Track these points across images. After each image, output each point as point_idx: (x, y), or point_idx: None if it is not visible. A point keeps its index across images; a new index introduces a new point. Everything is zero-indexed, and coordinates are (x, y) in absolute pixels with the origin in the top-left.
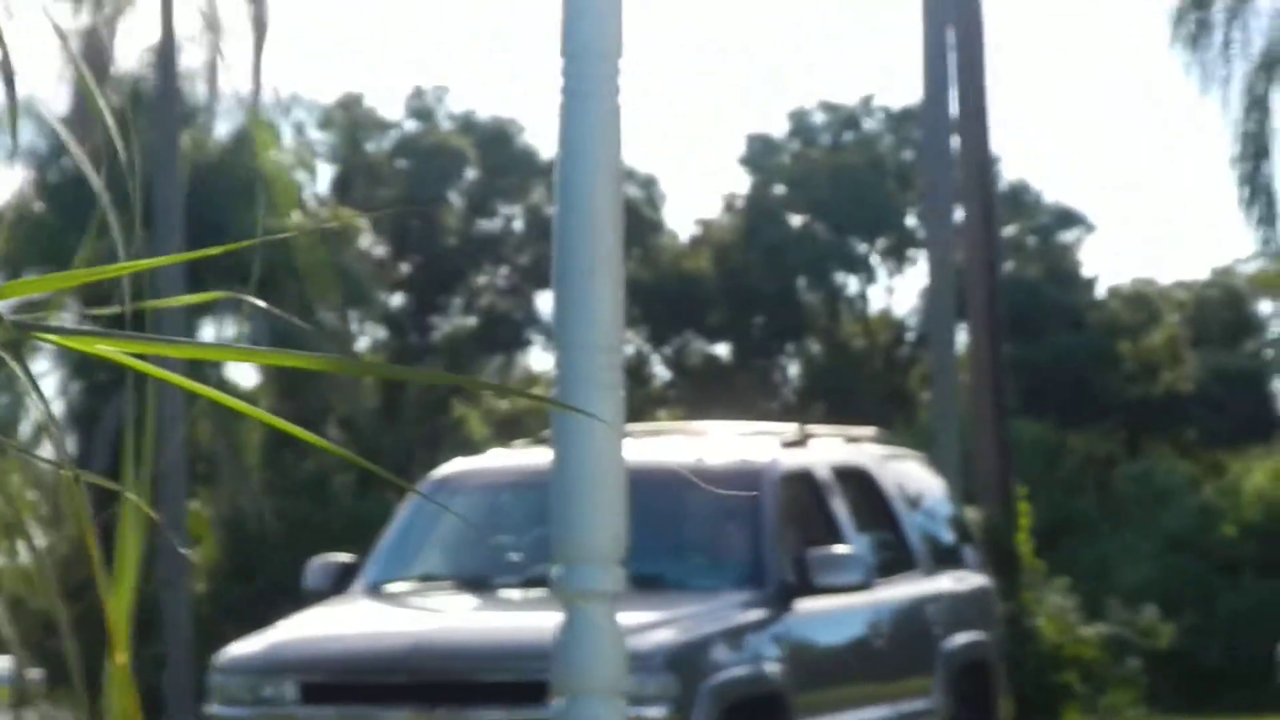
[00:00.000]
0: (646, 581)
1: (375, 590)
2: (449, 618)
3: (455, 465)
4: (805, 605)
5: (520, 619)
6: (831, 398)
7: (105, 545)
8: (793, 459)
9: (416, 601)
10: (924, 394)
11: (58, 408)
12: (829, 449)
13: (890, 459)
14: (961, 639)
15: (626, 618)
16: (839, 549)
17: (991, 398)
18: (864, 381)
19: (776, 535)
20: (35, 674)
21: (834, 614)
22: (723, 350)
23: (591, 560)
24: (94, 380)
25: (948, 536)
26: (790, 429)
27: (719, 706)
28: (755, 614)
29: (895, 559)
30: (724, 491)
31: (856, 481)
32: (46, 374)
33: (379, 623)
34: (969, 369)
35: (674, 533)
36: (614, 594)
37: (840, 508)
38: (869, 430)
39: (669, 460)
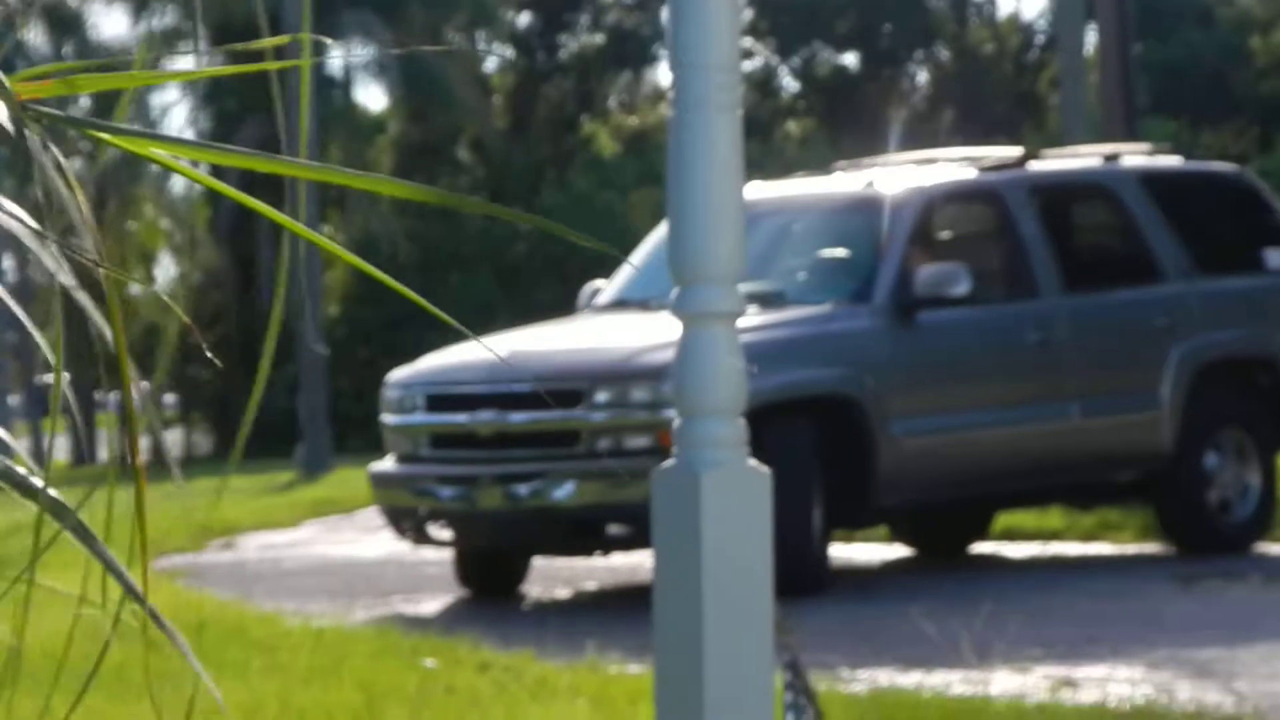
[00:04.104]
0: (769, 298)
1: (594, 310)
2: (547, 339)
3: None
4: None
5: (597, 339)
6: (961, 104)
7: (240, 274)
8: (925, 184)
9: (588, 323)
10: (1054, 97)
11: (189, 135)
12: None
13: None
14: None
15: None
16: (941, 264)
17: (1122, 97)
18: (993, 86)
19: (894, 255)
20: (170, 400)
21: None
22: (850, 60)
23: (708, 280)
24: (224, 109)
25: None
26: (1011, 151)
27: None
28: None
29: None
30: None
31: (1071, 198)
32: (175, 103)
33: (518, 343)
34: (1098, 69)
35: (803, 253)
36: (732, 314)
37: (1025, 227)
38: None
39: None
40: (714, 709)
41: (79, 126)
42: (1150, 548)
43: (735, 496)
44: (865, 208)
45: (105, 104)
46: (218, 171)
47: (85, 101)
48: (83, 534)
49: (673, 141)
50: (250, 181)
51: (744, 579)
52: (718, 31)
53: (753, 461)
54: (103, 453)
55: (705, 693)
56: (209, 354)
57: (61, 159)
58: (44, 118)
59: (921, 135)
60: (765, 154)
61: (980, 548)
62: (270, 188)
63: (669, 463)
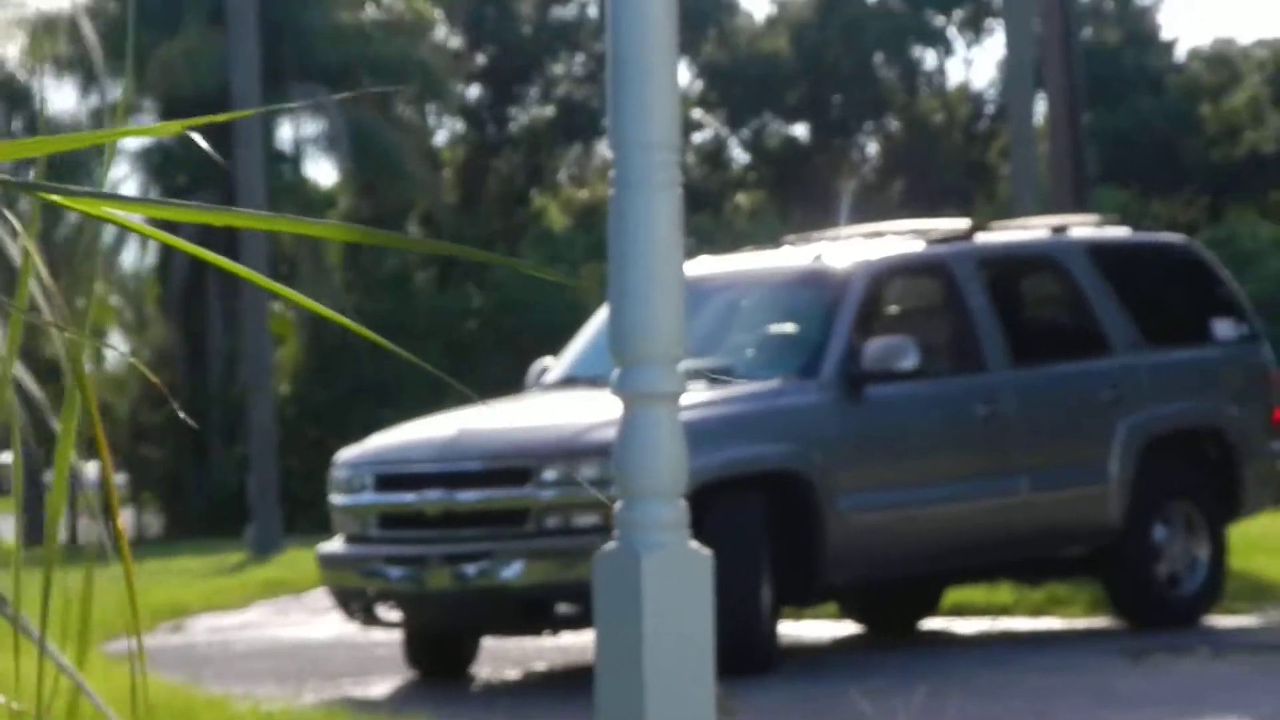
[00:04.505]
0: (717, 374)
1: (543, 388)
2: (495, 417)
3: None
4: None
5: (545, 416)
6: (912, 174)
7: (189, 352)
8: (873, 258)
9: (536, 401)
10: (1005, 167)
11: (137, 215)
12: (979, 240)
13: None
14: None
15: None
16: (889, 338)
17: (1072, 166)
18: (943, 156)
19: (842, 329)
20: (120, 479)
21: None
22: (801, 131)
23: (649, 360)
24: (174, 184)
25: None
26: (958, 223)
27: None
28: (793, 400)
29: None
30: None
31: (1018, 270)
32: (125, 178)
33: (465, 421)
34: (1048, 138)
35: (751, 328)
36: (673, 394)
37: (973, 299)
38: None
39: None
40: None
41: (31, 190)
42: (1100, 622)
43: (676, 578)
44: (813, 282)
45: (54, 177)
46: (168, 251)
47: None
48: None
49: (613, 220)
50: (201, 262)
51: (685, 660)
52: (657, 109)
53: (694, 543)
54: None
55: None
56: (147, 433)
57: (18, 225)
58: None
59: (872, 205)
60: (715, 226)
61: (930, 624)
62: (220, 272)
63: (610, 545)
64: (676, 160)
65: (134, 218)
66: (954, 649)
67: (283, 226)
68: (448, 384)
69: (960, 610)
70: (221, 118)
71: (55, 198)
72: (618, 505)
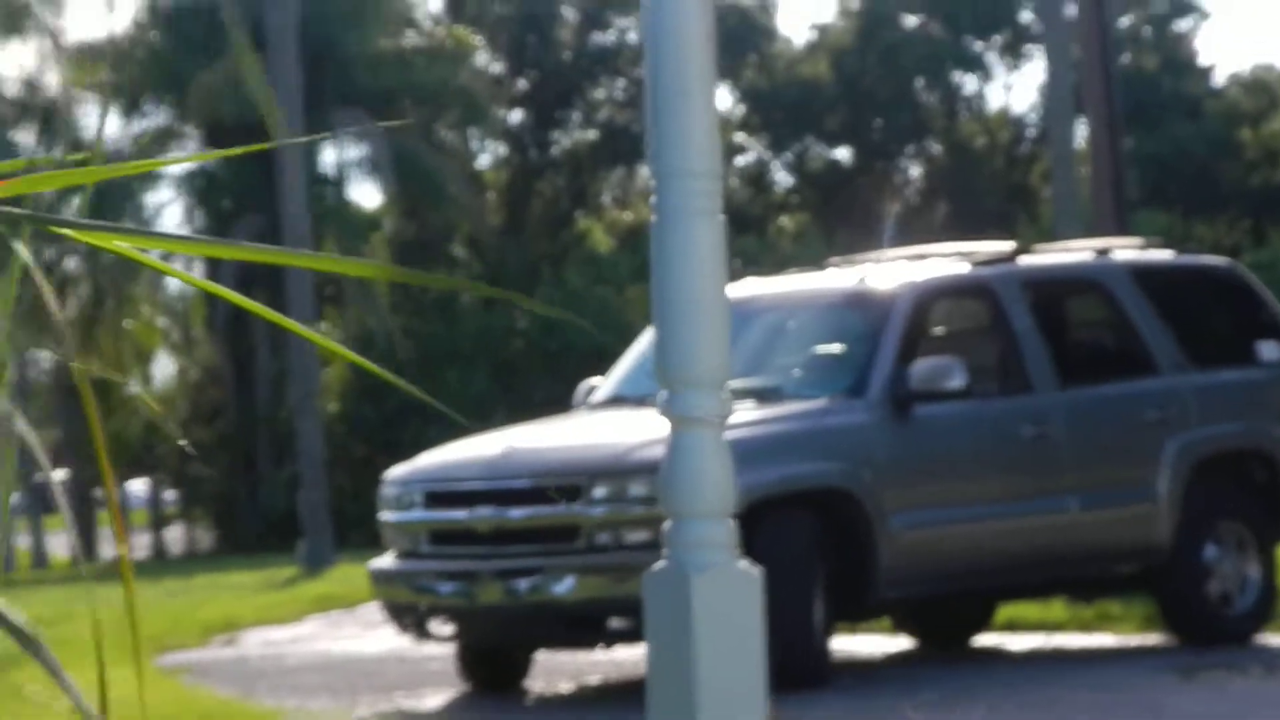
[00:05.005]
0: (765, 394)
1: (590, 407)
2: (543, 435)
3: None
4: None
5: (594, 434)
6: (954, 197)
7: (237, 371)
8: (918, 279)
9: (584, 420)
10: (1046, 190)
11: (156, 250)
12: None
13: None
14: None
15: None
16: (937, 358)
17: (1113, 190)
18: (985, 180)
19: (889, 349)
20: (171, 495)
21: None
22: (843, 154)
23: (695, 385)
24: (219, 207)
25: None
26: (1003, 246)
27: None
28: (842, 419)
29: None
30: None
31: (1065, 292)
32: (170, 203)
33: (514, 439)
34: (1089, 162)
35: (797, 349)
36: (718, 418)
37: (1018, 321)
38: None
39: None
40: None
41: (40, 224)
42: (1152, 639)
43: (726, 597)
44: (859, 303)
45: (98, 202)
46: (214, 270)
47: (77, 201)
48: (33, 649)
49: (655, 247)
50: (247, 280)
51: (737, 677)
52: (697, 138)
53: (743, 562)
54: (105, 549)
55: None
56: (196, 452)
57: (28, 256)
58: (4, 217)
59: (915, 228)
60: (759, 249)
61: (983, 639)
62: (267, 287)
63: (660, 564)
64: (718, 188)
65: (154, 254)
66: (1007, 665)
67: (322, 265)
68: (494, 401)
69: (1013, 626)
70: (262, 146)
71: (63, 230)
72: (666, 525)
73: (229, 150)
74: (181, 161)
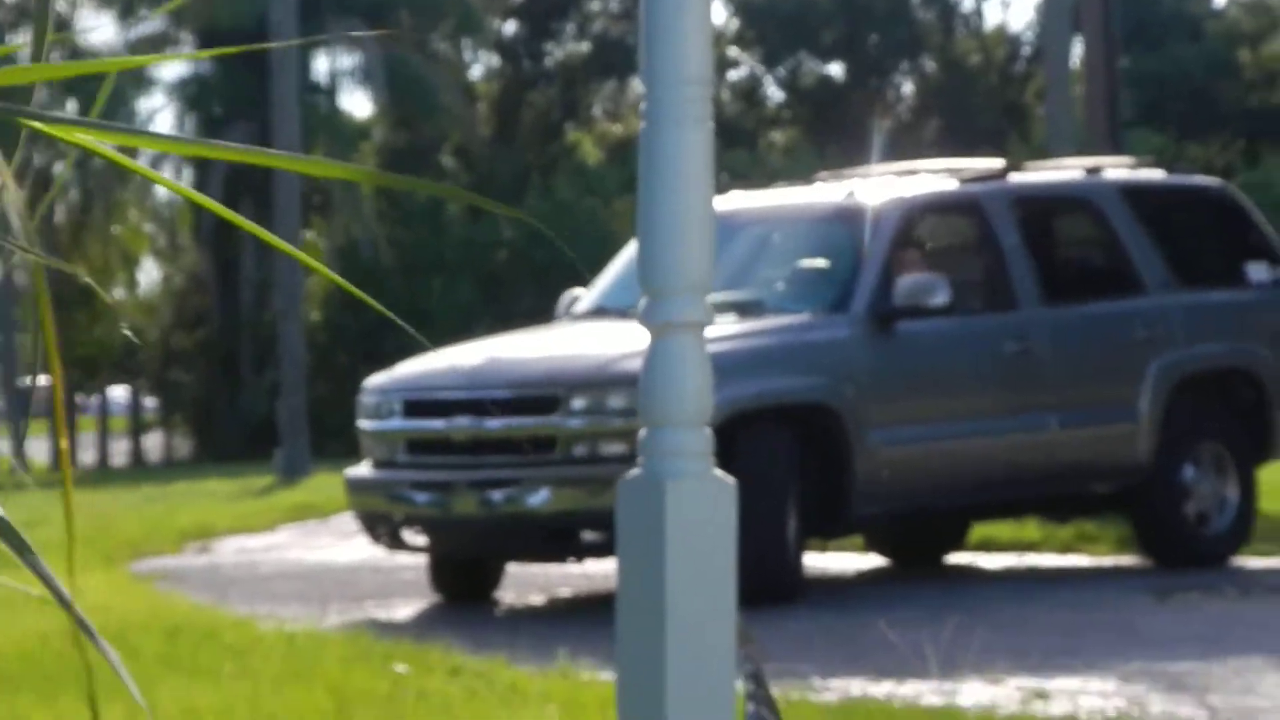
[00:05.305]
0: (747, 307)
1: (572, 318)
2: (524, 346)
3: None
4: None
5: (574, 346)
6: (947, 115)
7: (222, 278)
8: (906, 195)
9: (565, 331)
10: (1040, 108)
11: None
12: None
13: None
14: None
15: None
16: (921, 274)
17: (1107, 109)
18: (979, 97)
19: (874, 265)
20: (152, 402)
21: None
22: (836, 70)
23: (676, 291)
24: (210, 114)
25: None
26: (993, 163)
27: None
28: (824, 334)
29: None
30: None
31: (1052, 210)
32: (162, 108)
33: (494, 349)
34: (1084, 81)
35: (782, 263)
36: (699, 324)
37: (1006, 238)
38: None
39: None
40: (674, 711)
41: (13, 116)
42: (1127, 560)
43: (700, 506)
44: (846, 218)
45: (89, 106)
46: (203, 178)
47: (72, 105)
48: (15, 543)
49: (643, 154)
50: (235, 188)
51: (708, 589)
52: (690, 45)
53: (718, 471)
54: (84, 455)
55: (667, 704)
56: (178, 359)
57: None
58: None
59: (907, 145)
60: (750, 163)
61: (956, 558)
62: (255, 194)
63: (634, 472)
64: (709, 95)
65: (144, 161)
66: (980, 584)
67: (310, 168)
68: (478, 312)
69: (987, 546)
70: (252, 48)
71: (38, 125)
72: (642, 433)
73: (223, 49)
74: (172, 60)
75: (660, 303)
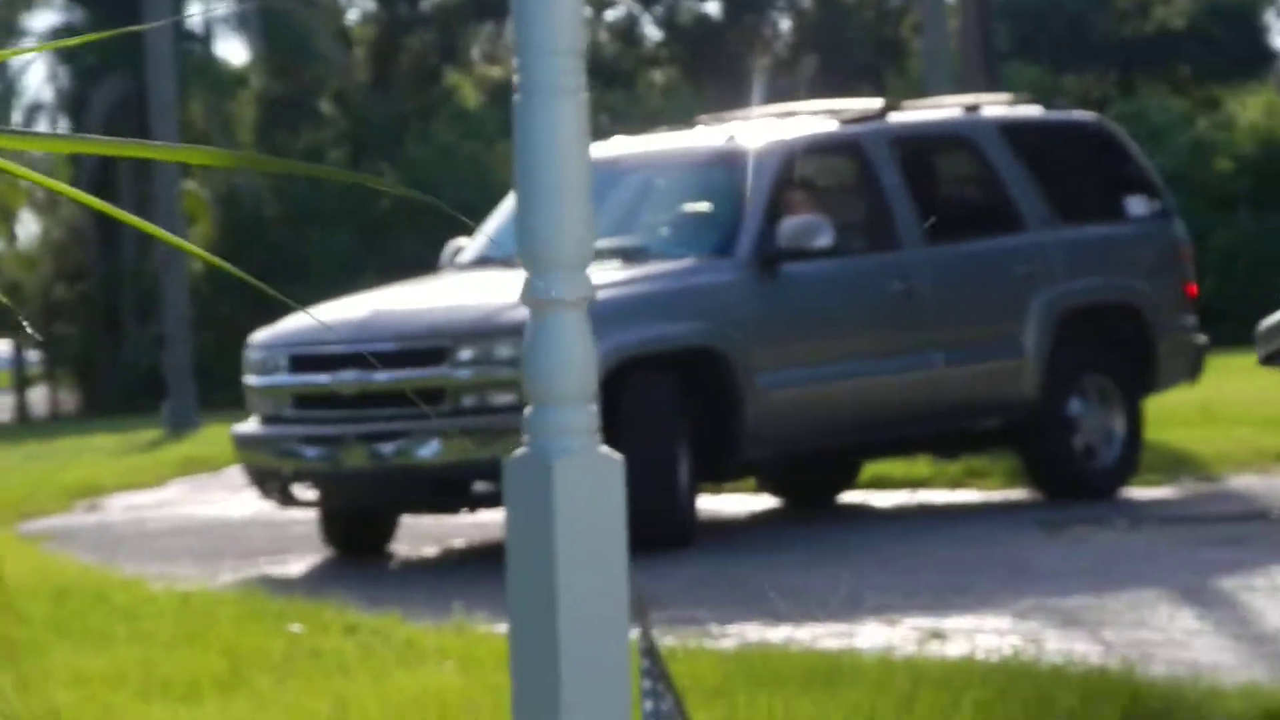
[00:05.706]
0: (631, 253)
1: (457, 268)
2: (409, 297)
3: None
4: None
5: (460, 296)
6: (823, 52)
7: (102, 230)
8: (786, 138)
9: (451, 281)
10: (916, 43)
11: (47, 92)
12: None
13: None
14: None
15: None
16: (804, 216)
17: (982, 43)
18: (855, 32)
19: (756, 208)
20: (35, 356)
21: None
22: (713, 8)
23: (557, 266)
24: (83, 64)
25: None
26: (872, 103)
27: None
28: (709, 278)
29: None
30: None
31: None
32: (33, 60)
33: (379, 301)
34: (959, 15)
35: (665, 208)
36: (581, 300)
37: (887, 178)
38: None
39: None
40: (569, 695)
41: None
42: (1017, 494)
43: (588, 484)
44: (727, 161)
45: None
46: (78, 128)
47: None
48: None
49: (519, 127)
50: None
51: (599, 568)
52: (561, 15)
53: (605, 448)
54: None
55: (561, 687)
56: (59, 311)
57: None
58: None
59: (784, 83)
60: (629, 104)
61: (848, 497)
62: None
63: (520, 451)
64: (582, 66)
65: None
66: (872, 522)
67: (188, 157)
68: (361, 262)
69: (878, 484)
70: None
71: None
72: (527, 411)
73: None
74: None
75: (540, 278)
